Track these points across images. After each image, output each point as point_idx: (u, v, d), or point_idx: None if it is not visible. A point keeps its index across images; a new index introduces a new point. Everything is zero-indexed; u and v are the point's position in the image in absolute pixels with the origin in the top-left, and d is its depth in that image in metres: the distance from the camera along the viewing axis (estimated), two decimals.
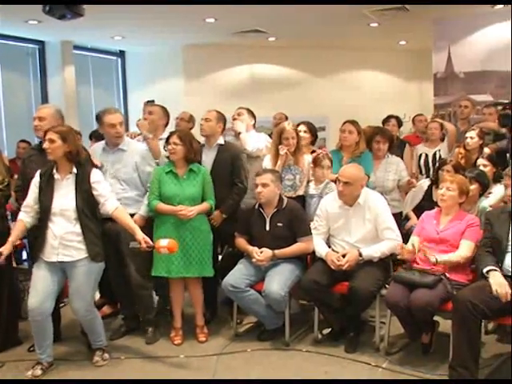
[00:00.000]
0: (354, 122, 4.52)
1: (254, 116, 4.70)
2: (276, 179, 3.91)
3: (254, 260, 3.83)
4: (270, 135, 4.85)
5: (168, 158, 3.92)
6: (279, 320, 3.88)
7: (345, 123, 4.56)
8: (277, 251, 3.83)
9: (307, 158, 4.37)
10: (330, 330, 3.92)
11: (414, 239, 3.70)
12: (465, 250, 3.50)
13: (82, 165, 3.47)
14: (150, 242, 3.36)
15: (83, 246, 3.40)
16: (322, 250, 3.83)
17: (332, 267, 3.69)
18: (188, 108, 5.83)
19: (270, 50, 9.12)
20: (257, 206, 3.97)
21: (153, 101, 5.63)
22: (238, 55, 9.02)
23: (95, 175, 3.47)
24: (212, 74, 9.22)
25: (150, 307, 4.02)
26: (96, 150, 4.03)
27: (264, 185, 3.85)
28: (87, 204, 3.42)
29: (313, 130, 4.83)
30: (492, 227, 3.40)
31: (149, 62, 9.23)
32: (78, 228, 3.38)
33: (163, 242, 3.37)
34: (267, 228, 3.90)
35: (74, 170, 3.43)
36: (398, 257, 3.64)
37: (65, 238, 3.37)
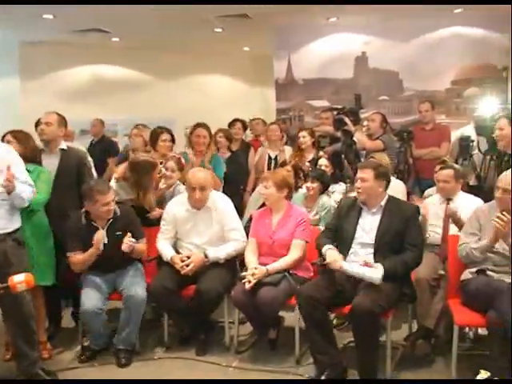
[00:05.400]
0: (205, 126, 4.66)
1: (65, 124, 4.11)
2: (114, 192, 3.76)
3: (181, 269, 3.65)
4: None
5: None
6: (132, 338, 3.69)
7: (197, 128, 4.64)
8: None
9: None
10: (180, 333, 3.90)
11: (252, 240, 3.79)
12: (295, 251, 3.64)
13: None
14: None
15: None
16: (167, 253, 3.80)
17: (178, 269, 3.67)
18: (26, 109, 5.43)
19: (114, 50, 8.86)
20: (84, 219, 3.68)
21: None
22: (80, 55, 8.58)
23: None
24: (51, 73, 8.67)
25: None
26: None
27: (109, 203, 3.63)
28: None
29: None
30: (339, 217, 3.51)
31: None
32: None
33: (18, 278, 2.90)
34: (106, 241, 3.66)
35: None
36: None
37: None
